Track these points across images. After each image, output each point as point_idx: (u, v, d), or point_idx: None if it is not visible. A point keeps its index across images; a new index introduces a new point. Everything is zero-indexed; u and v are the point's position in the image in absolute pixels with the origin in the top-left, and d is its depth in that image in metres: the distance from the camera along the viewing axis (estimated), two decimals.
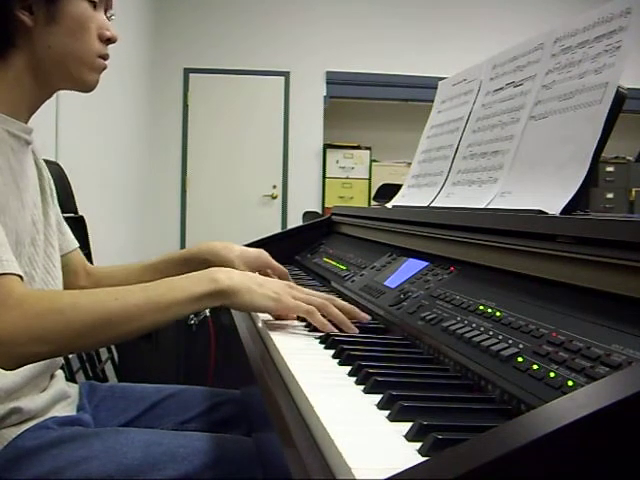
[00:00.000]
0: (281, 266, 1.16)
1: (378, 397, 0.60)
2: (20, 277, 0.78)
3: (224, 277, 0.85)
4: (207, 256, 1.13)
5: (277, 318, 0.97)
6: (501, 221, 0.89)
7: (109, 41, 0.98)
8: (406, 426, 0.52)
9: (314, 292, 0.95)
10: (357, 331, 0.90)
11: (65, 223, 1.13)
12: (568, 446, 0.37)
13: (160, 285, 0.84)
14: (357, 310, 0.94)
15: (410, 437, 0.50)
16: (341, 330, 0.89)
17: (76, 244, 1.15)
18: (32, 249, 0.94)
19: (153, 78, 5.84)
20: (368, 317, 0.95)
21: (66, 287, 1.06)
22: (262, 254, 1.16)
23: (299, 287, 0.95)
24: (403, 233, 1.26)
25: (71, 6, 0.92)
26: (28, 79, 0.93)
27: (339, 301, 0.94)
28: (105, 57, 0.98)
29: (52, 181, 1.08)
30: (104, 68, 0.99)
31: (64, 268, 1.06)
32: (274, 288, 0.89)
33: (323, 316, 0.90)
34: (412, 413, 0.54)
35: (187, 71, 6.10)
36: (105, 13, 1.00)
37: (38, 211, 0.99)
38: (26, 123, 0.96)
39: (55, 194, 1.09)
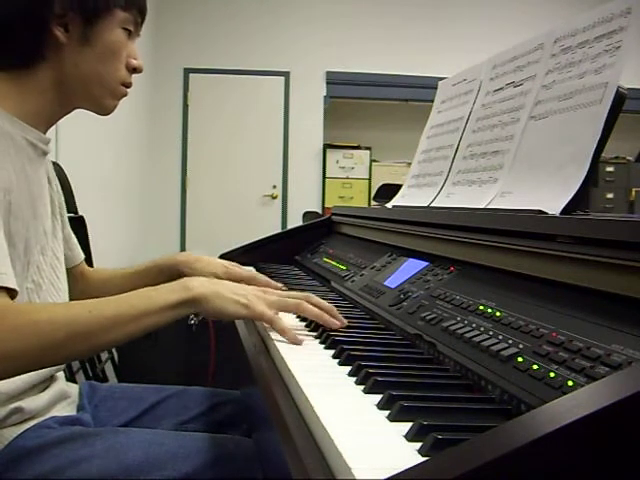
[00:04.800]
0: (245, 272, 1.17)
1: (378, 397, 0.60)
2: (12, 290, 0.77)
3: (197, 285, 0.85)
4: (183, 268, 1.15)
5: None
6: (501, 221, 0.89)
7: (135, 70, 1.00)
8: (406, 426, 0.52)
9: (291, 293, 0.94)
10: (338, 324, 0.89)
11: (74, 236, 1.14)
12: (568, 446, 0.37)
13: (133, 296, 0.84)
14: (335, 311, 0.92)
15: (410, 437, 0.50)
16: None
17: (82, 256, 1.17)
18: (41, 258, 0.94)
19: (153, 78, 5.83)
20: (345, 322, 0.92)
21: (72, 295, 1.06)
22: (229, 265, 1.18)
23: (274, 291, 0.94)
24: (403, 233, 1.26)
25: (107, 32, 0.94)
26: (51, 93, 0.94)
27: (316, 298, 0.93)
28: (128, 85, 1.00)
29: (62, 196, 1.09)
30: (125, 95, 1.01)
31: (72, 277, 1.08)
32: (246, 295, 0.88)
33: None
34: (412, 413, 0.54)
35: (187, 71, 6.10)
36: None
37: (48, 222, 0.99)
38: (44, 134, 0.97)
39: (65, 208, 1.09)
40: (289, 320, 0.97)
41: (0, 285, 0.76)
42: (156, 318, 0.82)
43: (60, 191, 1.09)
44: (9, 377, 0.79)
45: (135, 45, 1.01)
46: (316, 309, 0.91)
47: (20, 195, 0.86)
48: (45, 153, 0.98)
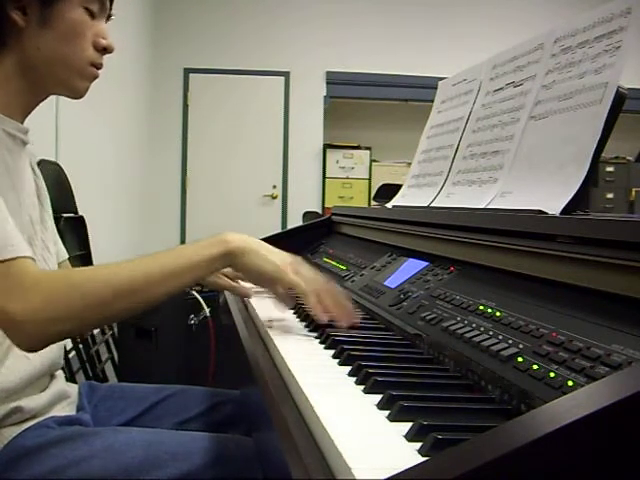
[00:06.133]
0: None
1: (378, 397, 0.60)
2: (32, 259, 0.78)
3: (235, 238, 0.87)
4: None
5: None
6: (501, 221, 0.89)
7: (105, 50, 0.98)
8: (406, 426, 0.52)
9: (318, 276, 0.94)
10: (345, 326, 0.90)
11: (57, 232, 1.13)
12: (568, 446, 0.37)
13: (172, 253, 0.85)
14: (352, 311, 0.93)
15: (410, 437, 0.50)
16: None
17: (66, 255, 1.15)
18: (30, 249, 0.94)
19: (153, 78, 5.84)
20: (357, 322, 0.93)
21: None
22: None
23: (307, 265, 0.94)
24: (403, 233, 1.26)
25: (66, 12, 0.92)
26: (18, 79, 0.93)
27: (337, 291, 0.94)
28: (98, 66, 0.98)
29: (45, 189, 1.08)
30: (95, 77, 0.99)
31: None
32: (283, 258, 0.90)
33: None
34: (412, 413, 0.54)
35: (187, 71, 6.10)
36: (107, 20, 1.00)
37: (35, 212, 0.98)
38: (21, 124, 0.96)
39: (49, 201, 1.08)
40: (289, 320, 0.97)
41: (24, 255, 0.76)
42: (196, 272, 0.83)
43: (44, 184, 1.07)
44: (61, 340, 0.81)
45: (104, 25, 0.98)
46: (334, 307, 0.90)
47: (2, 185, 0.86)
48: (25, 143, 0.97)
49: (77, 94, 0.99)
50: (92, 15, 0.95)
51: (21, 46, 0.91)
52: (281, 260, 0.89)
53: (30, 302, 0.73)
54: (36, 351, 0.78)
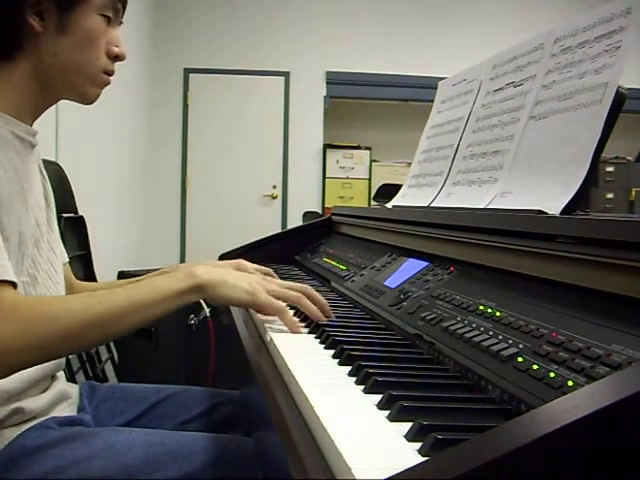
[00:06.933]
0: (262, 267, 1.15)
1: (378, 397, 0.60)
2: (14, 284, 0.78)
3: (202, 271, 0.87)
4: None
5: (257, 312, 0.97)
6: (501, 221, 0.89)
7: (117, 58, 0.98)
8: (406, 426, 0.52)
9: (290, 284, 0.96)
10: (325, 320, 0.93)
11: (59, 235, 1.13)
12: (568, 446, 0.37)
13: (142, 285, 0.85)
14: (327, 308, 0.96)
15: (410, 437, 0.50)
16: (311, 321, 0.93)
17: (66, 258, 1.15)
18: (35, 251, 0.94)
19: (153, 78, 5.83)
20: (332, 316, 0.95)
21: None
22: (240, 264, 1.16)
23: (276, 280, 0.97)
24: (403, 233, 1.26)
25: (84, 19, 0.93)
26: (32, 83, 0.93)
27: (312, 291, 0.96)
28: (110, 73, 0.99)
29: (51, 191, 1.08)
30: (107, 84, 1.00)
31: None
32: (251, 282, 0.90)
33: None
34: (412, 413, 0.54)
35: (187, 71, 6.10)
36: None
37: (42, 214, 0.99)
38: (30, 127, 0.96)
39: (54, 204, 1.08)
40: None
41: (4, 279, 0.76)
42: (165, 306, 0.84)
43: (49, 186, 1.08)
44: (28, 367, 0.80)
45: (117, 32, 0.99)
46: (313, 307, 0.93)
47: (10, 189, 0.86)
48: (33, 145, 0.97)
49: (88, 100, 1.00)
50: (107, 22, 0.96)
51: (37, 51, 0.92)
52: (249, 284, 0.89)
53: (2, 331, 0.72)
54: (2, 378, 0.78)
